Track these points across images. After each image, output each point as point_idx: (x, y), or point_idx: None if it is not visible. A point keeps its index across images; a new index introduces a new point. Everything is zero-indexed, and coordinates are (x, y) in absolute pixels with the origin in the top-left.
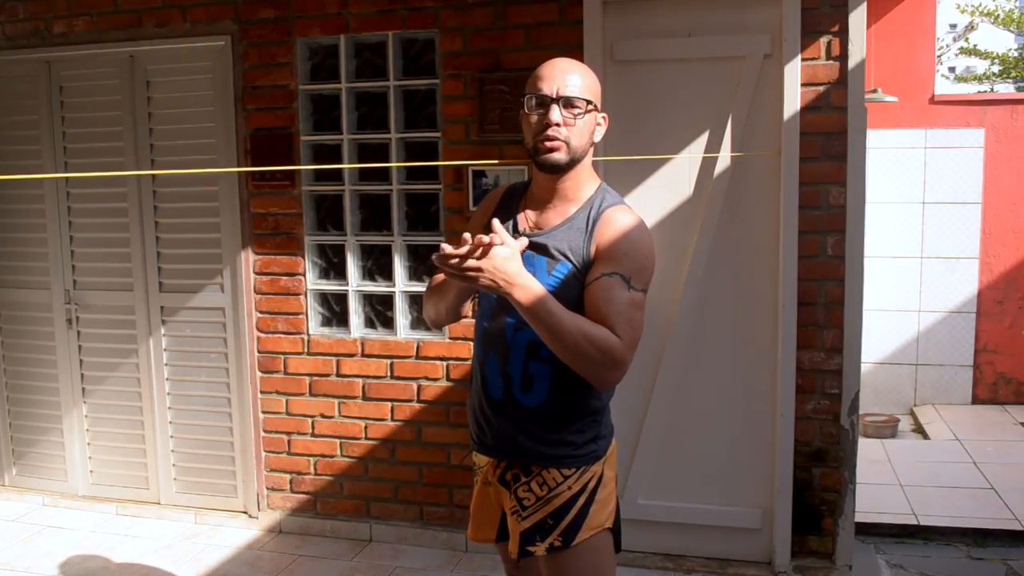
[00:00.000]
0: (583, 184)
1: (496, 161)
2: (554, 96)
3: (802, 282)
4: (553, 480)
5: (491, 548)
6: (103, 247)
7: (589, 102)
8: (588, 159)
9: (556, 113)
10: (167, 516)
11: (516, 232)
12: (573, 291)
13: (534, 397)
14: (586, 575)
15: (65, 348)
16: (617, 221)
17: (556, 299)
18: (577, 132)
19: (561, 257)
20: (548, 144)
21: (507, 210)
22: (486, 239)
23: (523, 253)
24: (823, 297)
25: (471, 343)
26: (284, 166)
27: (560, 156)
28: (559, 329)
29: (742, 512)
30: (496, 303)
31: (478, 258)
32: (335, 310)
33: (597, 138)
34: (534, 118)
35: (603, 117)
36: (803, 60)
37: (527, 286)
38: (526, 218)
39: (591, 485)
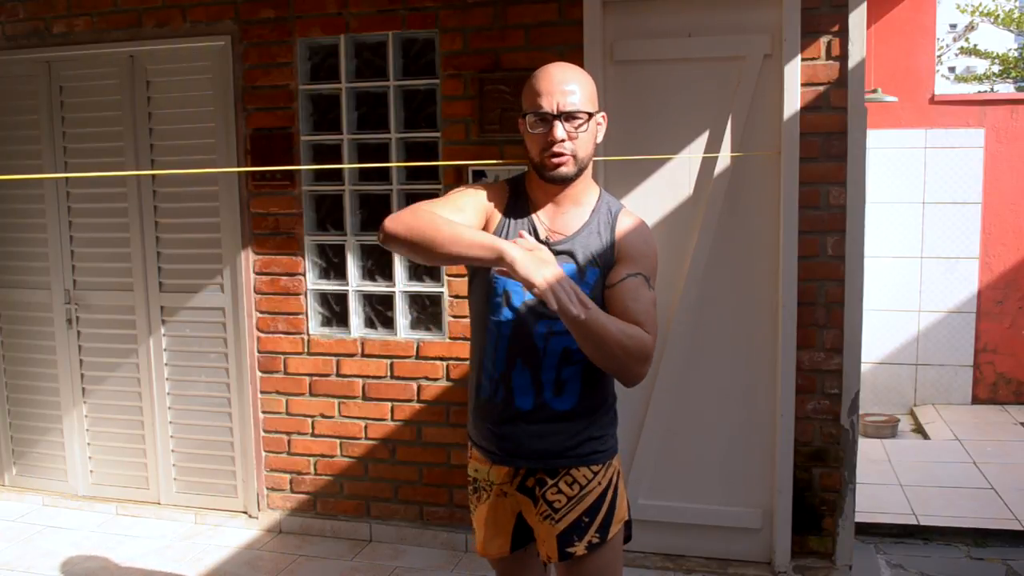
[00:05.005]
0: (589, 187)
1: (496, 161)
2: (555, 112)
3: (802, 282)
4: (583, 478)
5: None
6: (103, 247)
7: (590, 113)
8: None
9: (560, 130)
10: (167, 516)
11: (538, 240)
12: (598, 294)
13: (567, 400)
14: (616, 566)
15: (65, 348)
16: (632, 225)
17: None
18: (582, 143)
19: (590, 264)
20: (555, 160)
21: (516, 213)
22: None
23: None
24: (823, 297)
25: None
26: (284, 166)
27: (568, 170)
28: (604, 331)
29: (742, 512)
30: (518, 313)
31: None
32: (335, 310)
33: (599, 139)
34: (538, 134)
35: (602, 116)
36: (803, 60)
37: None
38: (543, 225)
39: (614, 479)
